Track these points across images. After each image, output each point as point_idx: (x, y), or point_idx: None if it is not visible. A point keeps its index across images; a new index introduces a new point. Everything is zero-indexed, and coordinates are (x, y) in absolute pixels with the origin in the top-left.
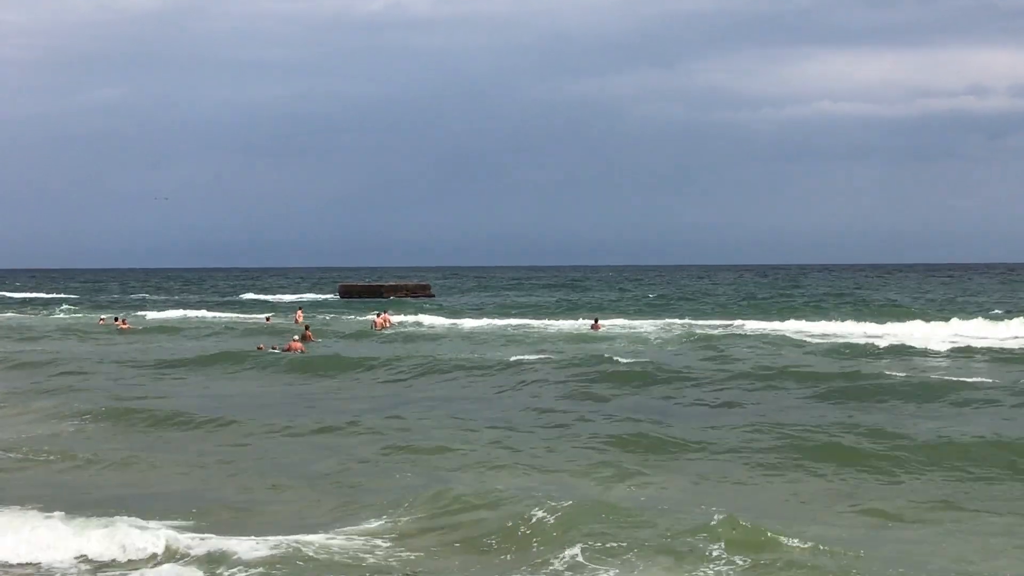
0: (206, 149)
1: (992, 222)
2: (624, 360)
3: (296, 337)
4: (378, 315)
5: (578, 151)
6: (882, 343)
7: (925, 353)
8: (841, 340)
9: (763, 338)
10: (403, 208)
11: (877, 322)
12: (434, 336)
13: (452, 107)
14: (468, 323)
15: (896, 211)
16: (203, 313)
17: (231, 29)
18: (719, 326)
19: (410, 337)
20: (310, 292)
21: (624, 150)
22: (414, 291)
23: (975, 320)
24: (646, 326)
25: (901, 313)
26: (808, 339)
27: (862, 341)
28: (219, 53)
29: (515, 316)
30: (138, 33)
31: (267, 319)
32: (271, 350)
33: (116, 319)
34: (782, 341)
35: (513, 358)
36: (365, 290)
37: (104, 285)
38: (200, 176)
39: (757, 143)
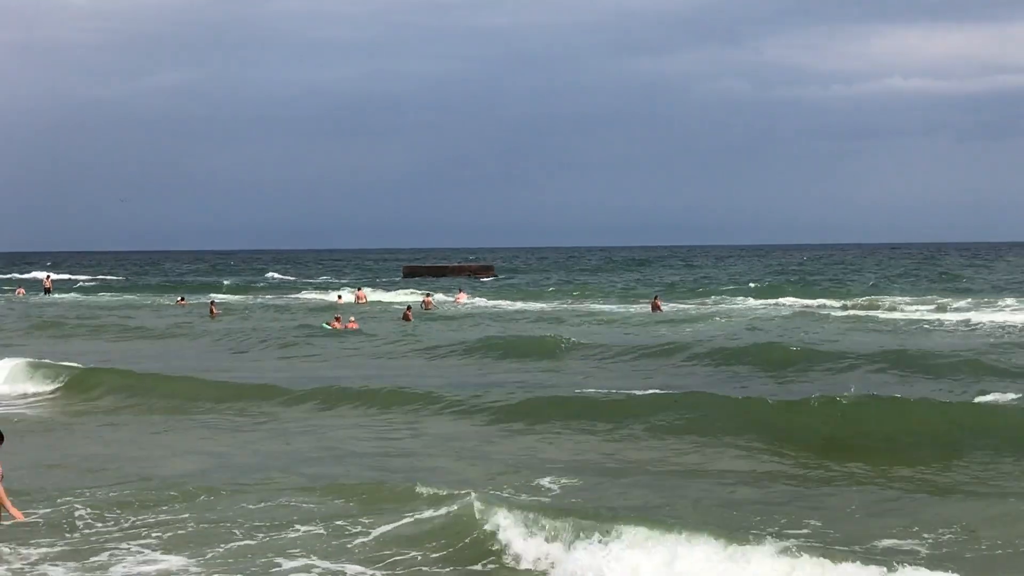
0: (273, 130)
1: None
2: None
3: (352, 318)
4: (427, 295)
5: (643, 129)
6: None
7: None
8: None
9: None
10: (468, 188)
11: None
12: (506, 317)
13: (517, 86)
14: (538, 305)
15: (967, 188)
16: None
17: (297, 9)
18: None
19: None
20: (377, 275)
21: (690, 128)
22: (477, 272)
23: None
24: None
25: None
26: None
27: None
28: (286, 34)
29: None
30: (205, 14)
31: (338, 297)
32: (329, 325)
33: (180, 299)
34: None
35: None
36: (428, 270)
37: (178, 267)
38: (267, 157)
39: (826, 120)
